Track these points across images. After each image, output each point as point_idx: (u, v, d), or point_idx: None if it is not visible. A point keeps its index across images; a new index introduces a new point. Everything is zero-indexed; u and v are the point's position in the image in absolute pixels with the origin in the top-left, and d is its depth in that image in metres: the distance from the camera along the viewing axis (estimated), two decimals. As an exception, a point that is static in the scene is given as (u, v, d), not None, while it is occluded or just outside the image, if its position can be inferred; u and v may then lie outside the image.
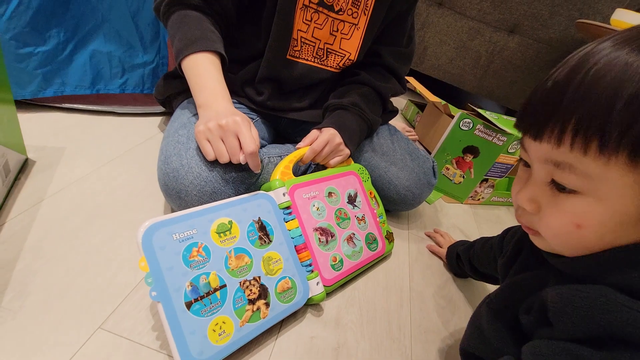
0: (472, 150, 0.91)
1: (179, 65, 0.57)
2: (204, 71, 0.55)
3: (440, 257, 0.72)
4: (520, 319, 0.35)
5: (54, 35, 0.67)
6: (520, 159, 0.33)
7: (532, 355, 0.30)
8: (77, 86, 0.73)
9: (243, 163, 0.50)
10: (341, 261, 0.56)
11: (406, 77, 1.28)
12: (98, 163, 0.66)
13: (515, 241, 0.44)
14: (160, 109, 0.85)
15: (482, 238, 0.60)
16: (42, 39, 0.66)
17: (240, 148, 0.49)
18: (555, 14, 1.41)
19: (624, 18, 1.12)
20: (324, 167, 0.65)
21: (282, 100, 0.71)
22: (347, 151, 0.63)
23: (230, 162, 0.50)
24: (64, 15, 0.67)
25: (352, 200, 0.63)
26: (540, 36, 1.48)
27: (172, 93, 0.72)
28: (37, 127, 0.70)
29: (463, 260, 0.63)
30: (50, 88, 0.71)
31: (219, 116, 0.50)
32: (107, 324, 0.42)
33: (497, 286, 0.44)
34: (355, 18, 0.67)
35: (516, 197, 0.33)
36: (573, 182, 0.27)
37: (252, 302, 0.43)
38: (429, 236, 0.78)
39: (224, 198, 0.49)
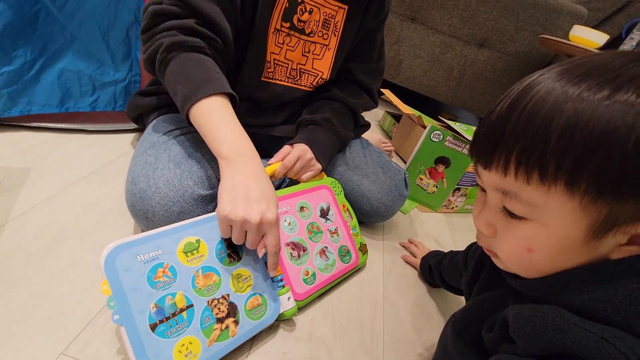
0: (443, 160, 0.94)
1: (187, 116, 0.50)
2: (219, 119, 0.49)
3: (414, 267, 0.74)
4: (483, 337, 0.36)
5: (20, 54, 0.66)
6: (477, 184, 0.35)
7: None
8: (44, 105, 0.72)
9: (259, 257, 0.48)
10: (314, 275, 0.56)
11: (382, 89, 1.32)
12: (66, 182, 0.65)
13: (476, 260, 0.45)
14: (133, 125, 0.84)
15: (451, 252, 0.62)
16: (7, 58, 0.65)
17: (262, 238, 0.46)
18: (521, 29, 1.49)
19: (580, 34, 1.19)
20: (297, 182, 0.66)
21: (256, 117, 0.72)
22: (318, 166, 0.65)
23: (199, 178, 0.52)
24: (32, 34, 0.66)
25: (324, 213, 0.64)
26: (507, 50, 1.55)
27: (144, 110, 0.72)
28: (1, 148, 0.69)
29: (434, 272, 0.65)
30: (16, 107, 0.70)
31: (249, 200, 0.44)
32: (70, 349, 0.41)
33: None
34: (325, 39, 0.69)
35: (474, 220, 0.34)
36: (520, 209, 0.29)
37: (220, 320, 0.43)
38: (403, 246, 0.79)
39: (192, 218, 0.49)
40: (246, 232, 0.45)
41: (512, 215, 0.30)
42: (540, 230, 0.28)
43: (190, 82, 0.49)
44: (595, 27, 1.51)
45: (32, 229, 0.54)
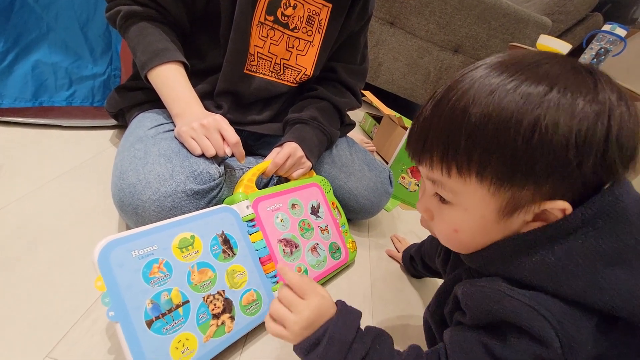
0: (424, 160, 0.97)
1: (145, 77, 0.58)
2: (173, 82, 0.58)
3: (398, 261, 0.76)
4: (444, 314, 0.41)
5: (-9, 45, 0.62)
6: None
7: (449, 340, 0.35)
8: (16, 98, 0.68)
9: (229, 155, 0.56)
10: (306, 271, 0.57)
11: (362, 91, 1.34)
12: (41, 181, 0.62)
13: None
14: (112, 122, 0.81)
15: (430, 236, 0.65)
16: (-23, 48, 0.61)
17: (224, 141, 0.54)
18: (492, 36, 1.57)
19: (547, 43, 1.27)
20: (286, 180, 0.66)
21: (241, 113, 0.72)
22: (308, 164, 0.65)
23: (191, 173, 0.51)
24: (5, 24, 0.63)
25: (315, 211, 0.64)
26: (480, 56, 1.63)
27: (126, 106, 0.69)
28: (-32, 143, 0.64)
29: (416, 260, 0.67)
30: (-14, 100, 0.65)
31: (199, 117, 0.54)
32: (55, 352, 0.39)
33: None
34: (310, 36, 0.70)
35: (416, 206, 0.39)
36: (447, 195, 0.33)
37: (216, 316, 0.43)
38: (392, 240, 0.81)
39: (184, 213, 0.48)
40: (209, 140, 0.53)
41: (443, 200, 0.34)
42: (462, 214, 0.33)
43: (147, 49, 0.57)
44: (557, 37, 1.62)
45: (5, 230, 0.51)
